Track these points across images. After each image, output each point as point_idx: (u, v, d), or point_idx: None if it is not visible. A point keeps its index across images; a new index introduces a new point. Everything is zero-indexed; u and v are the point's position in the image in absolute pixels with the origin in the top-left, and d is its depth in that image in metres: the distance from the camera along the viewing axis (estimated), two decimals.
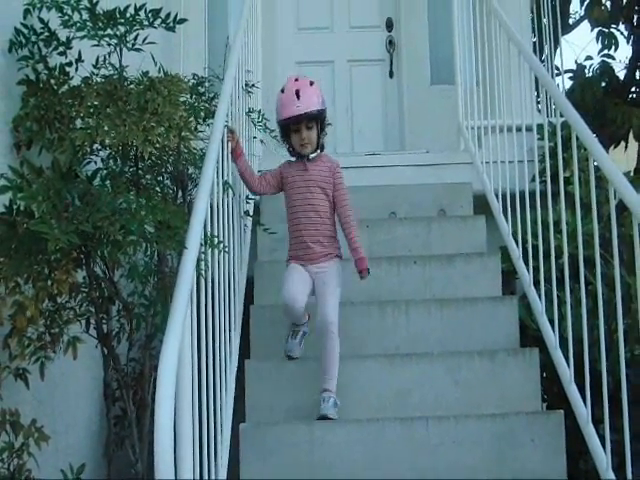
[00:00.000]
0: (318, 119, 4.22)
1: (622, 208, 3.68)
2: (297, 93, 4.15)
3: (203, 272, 3.02)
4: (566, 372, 3.79)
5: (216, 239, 3.25)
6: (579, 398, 3.66)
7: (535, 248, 4.25)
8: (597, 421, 3.53)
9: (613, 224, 3.34)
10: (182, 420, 2.61)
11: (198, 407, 2.82)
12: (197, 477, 2.74)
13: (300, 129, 4.18)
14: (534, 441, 3.81)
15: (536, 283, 4.26)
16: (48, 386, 3.20)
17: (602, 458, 3.41)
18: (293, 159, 4.32)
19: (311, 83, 4.22)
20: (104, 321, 3.21)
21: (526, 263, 4.40)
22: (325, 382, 3.91)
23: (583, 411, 3.60)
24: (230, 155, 3.97)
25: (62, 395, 3.47)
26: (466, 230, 5.09)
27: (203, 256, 3.02)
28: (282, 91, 4.23)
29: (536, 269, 4.24)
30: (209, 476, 2.98)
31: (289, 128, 4.21)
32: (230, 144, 3.96)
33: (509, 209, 4.69)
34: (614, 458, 3.36)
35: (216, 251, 3.31)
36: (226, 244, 3.55)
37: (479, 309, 4.44)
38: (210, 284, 3.25)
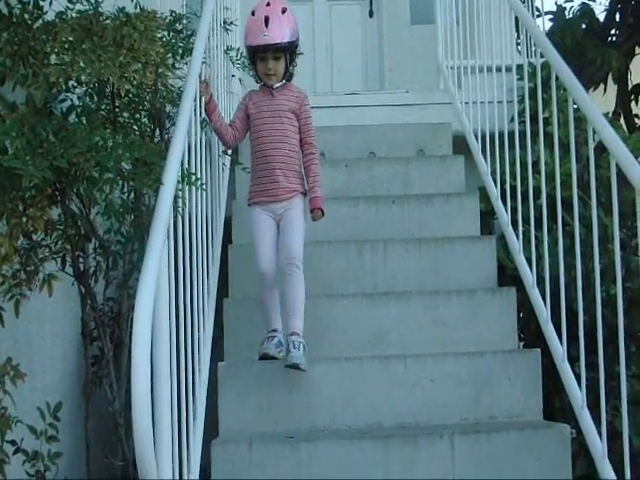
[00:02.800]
0: (287, 50, 3.98)
1: (601, 150, 3.68)
2: (266, 20, 3.91)
3: (180, 209, 3.00)
4: (543, 311, 3.81)
5: (194, 176, 3.22)
6: (555, 336, 3.68)
7: (513, 188, 4.25)
8: (573, 359, 3.56)
9: (591, 164, 3.33)
10: (159, 358, 2.60)
11: (176, 346, 2.81)
12: (175, 415, 2.74)
13: (266, 58, 3.96)
14: (510, 379, 3.83)
15: (514, 223, 4.27)
16: (25, 325, 3.19)
17: (577, 395, 3.44)
18: (257, 88, 4.11)
19: (283, 10, 3.98)
20: (80, 259, 3.19)
21: (504, 203, 4.41)
22: (292, 323, 3.77)
23: (559, 349, 3.62)
24: (203, 109, 3.81)
25: (39, 334, 3.45)
26: (445, 170, 5.08)
27: (180, 193, 3.00)
28: (252, 13, 3.99)
29: (514, 209, 4.25)
30: (187, 414, 2.99)
31: (256, 55, 4.00)
32: (203, 97, 3.78)
33: (488, 149, 4.68)
34: (589, 396, 3.39)
35: (193, 188, 3.29)
36: (204, 182, 3.52)
37: (457, 249, 4.44)
38: (188, 222, 3.23)
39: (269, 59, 3.96)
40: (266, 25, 3.90)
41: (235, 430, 3.66)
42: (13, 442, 2.57)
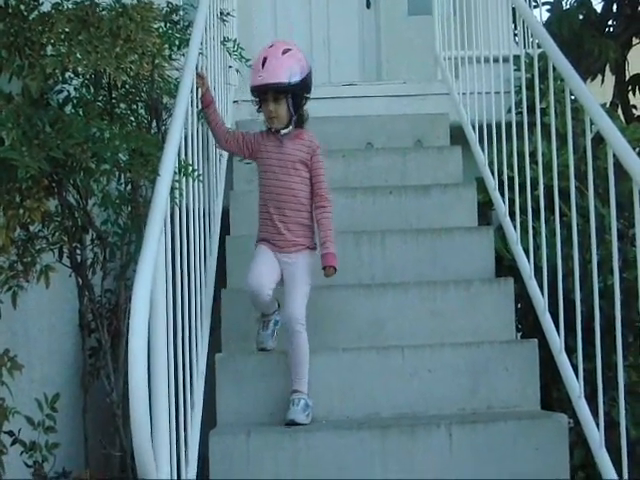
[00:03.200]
0: (289, 92, 3.75)
1: (598, 141, 3.68)
2: (264, 61, 3.74)
3: (177, 201, 3.00)
4: (540, 301, 3.82)
5: (191, 167, 3.22)
6: (553, 327, 3.69)
7: (511, 179, 4.26)
8: (570, 350, 3.57)
9: (588, 154, 3.34)
10: (156, 349, 2.61)
11: (173, 337, 2.81)
12: (172, 406, 2.74)
13: (267, 100, 3.77)
14: (508, 370, 3.84)
15: (511, 214, 4.28)
16: (22, 317, 3.19)
17: (575, 386, 3.45)
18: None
19: (285, 51, 3.78)
20: (78, 250, 3.19)
21: (502, 194, 4.41)
22: (294, 383, 3.64)
23: (556, 340, 3.63)
24: (199, 102, 3.71)
25: (37, 326, 3.46)
26: (442, 161, 5.08)
27: (177, 184, 3.00)
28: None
29: (512, 200, 4.26)
30: (184, 404, 2.99)
31: (260, 98, 3.82)
32: (200, 90, 3.68)
33: (485, 140, 4.69)
34: (586, 386, 3.40)
35: (190, 179, 3.29)
36: (201, 173, 3.52)
37: (455, 239, 4.44)
38: (185, 213, 3.23)
39: (269, 101, 3.77)
40: (262, 65, 3.75)
41: (233, 420, 3.66)
42: (11, 433, 2.58)
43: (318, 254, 3.80)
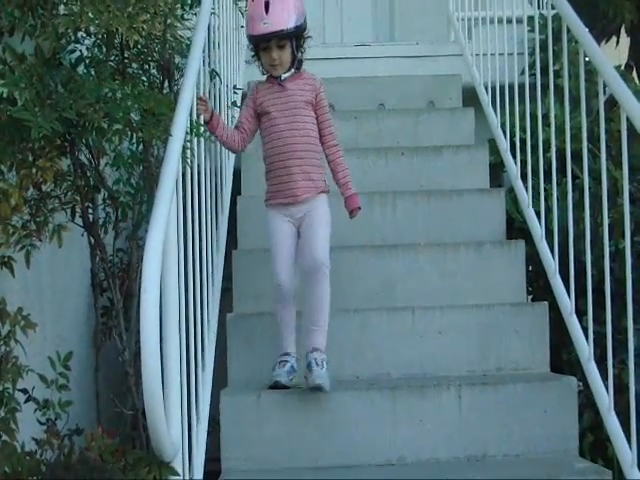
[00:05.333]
0: (292, 36, 3.60)
1: (612, 103, 3.66)
2: (266, 6, 3.52)
3: (189, 161, 3.00)
4: (551, 264, 3.82)
5: (202, 127, 3.22)
6: (563, 290, 3.69)
7: (523, 141, 4.24)
8: (580, 313, 3.57)
9: (601, 116, 3.32)
10: (168, 309, 2.63)
11: (185, 296, 2.83)
12: (184, 365, 2.76)
13: (270, 48, 3.58)
14: (518, 332, 3.86)
15: (523, 176, 4.27)
16: (35, 276, 3.21)
17: (584, 349, 3.46)
18: (264, 79, 3.75)
19: None
20: (90, 210, 3.20)
21: (514, 156, 4.41)
22: (314, 338, 3.51)
23: (567, 302, 3.64)
24: (200, 125, 3.34)
25: (49, 285, 3.47)
26: (454, 122, 5.07)
27: (189, 144, 3.00)
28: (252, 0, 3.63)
29: (524, 162, 4.24)
30: (196, 364, 3.01)
31: (259, 45, 3.63)
32: (202, 116, 3.41)
33: (498, 102, 4.66)
34: (596, 350, 3.41)
35: (202, 139, 3.29)
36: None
37: (466, 201, 4.44)
38: (197, 173, 3.24)
39: (273, 48, 3.58)
40: (266, 11, 3.53)
41: (244, 380, 3.69)
42: (25, 391, 2.60)
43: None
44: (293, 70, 3.68)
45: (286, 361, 3.57)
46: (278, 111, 3.64)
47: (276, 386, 3.51)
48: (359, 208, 3.69)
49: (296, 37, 3.63)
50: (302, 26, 3.64)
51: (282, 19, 3.55)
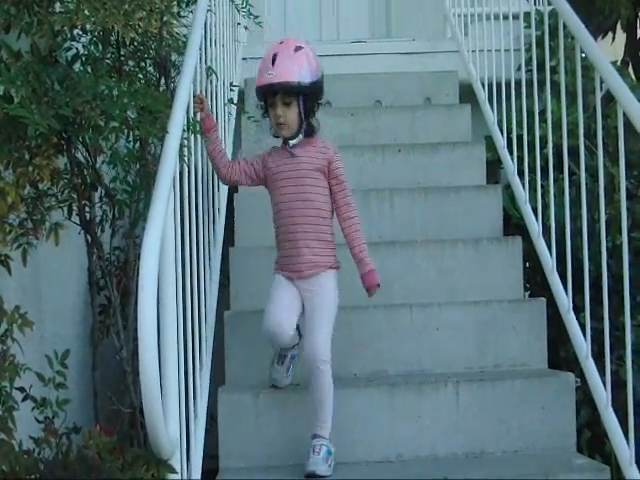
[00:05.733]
0: (300, 94, 3.38)
1: (608, 100, 3.66)
2: (274, 58, 3.37)
3: (186, 159, 3.00)
4: (548, 260, 3.82)
5: (199, 125, 3.22)
6: (561, 286, 3.70)
7: (520, 137, 4.25)
8: (578, 310, 3.57)
9: (598, 112, 3.32)
10: (166, 306, 2.63)
11: (182, 294, 2.83)
12: (182, 362, 2.76)
13: (275, 104, 3.40)
14: (516, 328, 3.85)
15: (520, 172, 4.27)
16: (32, 275, 3.21)
17: (582, 345, 3.46)
18: (279, 145, 3.55)
19: (297, 48, 3.41)
20: (87, 208, 3.20)
21: (510, 152, 4.41)
22: (315, 426, 3.33)
23: (564, 299, 3.64)
24: (197, 125, 3.30)
25: (47, 284, 3.47)
26: (451, 119, 5.07)
27: (186, 142, 3.00)
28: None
29: (520, 158, 4.25)
30: (194, 361, 3.01)
31: (267, 102, 3.45)
32: (198, 114, 3.34)
33: (495, 98, 4.67)
34: (594, 346, 3.41)
35: (199, 137, 3.29)
36: None
37: (463, 198, 4.44)
38: (194, 171, 3.23)
39: (277, 104, 3.39)
40: (272, 63, 3.37)
41: (242, 377, 3.69)
42: (22, 389, 2.59)
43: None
44: (301, 136, 3.46)
45: (285, 355, 3.53)
46: (286, 179, 3.46)
47: (274, 387, 3.51)
48: (378, 285, 3.48)
49: (305, 96, 3.40)
50: (314, 85, 3.41)
51: (288, 71, 3.36)
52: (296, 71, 3.36)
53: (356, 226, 3.47)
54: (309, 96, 3.41)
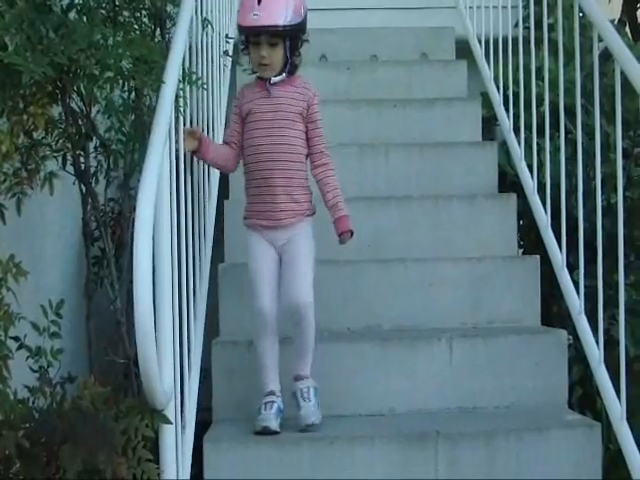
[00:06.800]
0: (287, 35, 3.20)
1: (605, 58, 3.64)
2: None
3: (182, 109, 2.97)
4: (543, 217, 3.82)
5: (195, 75, 3.19)
6: (555, 243, 3.70)
7: (516, 95, 4.23)
8: (571, 267, 3.58)
9: (595, 70, 3.30)
10: (161, 257, 2.63)
11: (177, 245, 2.82)
12: (176, 313, 2.76)
13: (260, 44, 3.20)
14: (509, 285, 3.86)
15: (516, 130, 4.26)
16: (27, 225, 3.19)
17: (575, 302, 3.47)
18: (252, 82, 3.36)
19: None
20: (81, 158, 3.17)
21: (507, 109, 4.40)
22: (299, 365, 3.28)
23: (558, 256, 3.64)
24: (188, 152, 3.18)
25: (41, 235, 3.46)
26: (447, 75, 5.07)
27: (181, 92, 2.98)
28: None
29: (516, 116, 4.23)
30: (188, 313, 3.01)
31: (249, 39, 3.25)
32: (188, 143, 3.15)
33: (491, 55, 4.65)
34: (587, 304, 3.42)
35: (194, 88, 3.26)
36: (205, 81, 3.50)
37: (459, 154, 4.44)
38: (189, 122, 3.21)
39: (263, 45, 3.19)
40: (259, 2, 3.13)
41: (235, 331, 3.69)
42: (17, 338, 2.59)
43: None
44: (284, 75, 3.28)
45: (272, 402, 3.26)
46: (263, 120, 3.26)
47: (265, 432, 3.20)
48: (351, 232, 3.30)
49: (291, 37, 3.23)
50: (300, 25, 3.23)
51: (275, 13, 3.15)
52: (283, 12, 3.15)
53: (330, 172, 3.34)
54: (296, 35, 3.25)
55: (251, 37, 3.23)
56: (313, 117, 3.30)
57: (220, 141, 4.06)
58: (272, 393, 3.27)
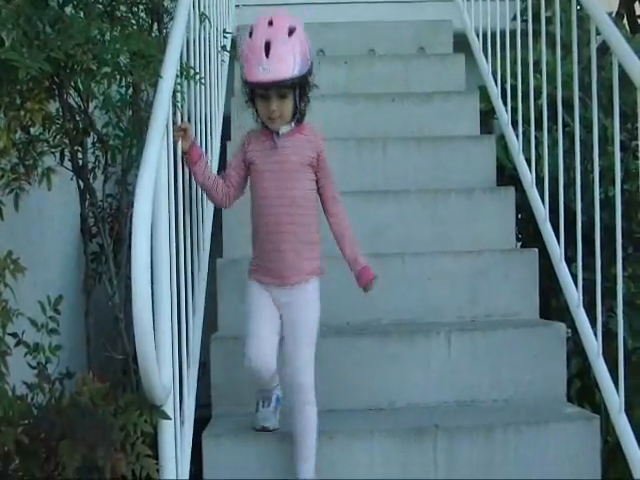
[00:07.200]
0: (296, 85, 3.00)
1: (603, 51, 3.64)
2: (267, 47, 2.92)
3: (179, 105, 2.97)
4: (541, 211, 3.82)
5: (192, 70, 3.19)
6: (553, 236, 3.70)
7: (514, 88, 4.23)
8: (570, 260, 3.58)
9: (593, 63, 3.30)
10: (159, 252, 2.62)
11: (175, 240, 2.82)
12: (175, 307, 2.76)
13: (269, 97, 2.99)
14: (508, 279, 3.87)
15: (514, 123, 4.26)
16: (24, 221, 3.19)
17: (573, 295, 3.47)
18: (258, 129, 3.15)
19: (291, 31, 2.97)
20: (79, 154, 3.17)
21: (505, 103, 4.40)
22: (302, 468, 3.02)
23: (556, 249, 3.64)
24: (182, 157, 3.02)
25: (39, 231, 3.45)
26: (445, 68, 5.08)
27: (179, 87, 2.97)
28: (250, 35, 3.01)
29: (514, 109, 4.23)
30: (187, 308, 3.01)
31: (255, 91, 3.05)
32: (181, 143, 2.99)
33: (489, 48, 4.64)
34: (585, 297, 3.42)
35: (192, 83, 3.26)
36: (202, 76, 3.49)
37: (457, 148, 4.44)
38: (187, 118, 3.21)
39: (272, 98, 2.98)
40: (267, 54, 2.92)
41: (234, 325, 3.68)
42: (15, 335, 2.59)
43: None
44: (293, 124, 3.08)
45: (269, 396, 3.22)
46: (269, 171, 3.06)
47: (264, 431, 3.18)
48: (374, 278, 3.17)
49: (301, 85, 3.03)
50: (308, 72, 3.02)
51: (285, 66, 2.94)
52: (292, 62, 2.95)
53: (344, 222, 3.15)
54: (305, 82, 3.04)
55: (258, 90, 3.02)
56: (322, 164, 3.10)
57: (217, 132, 4.07)
58: (265, 390, 3.24)
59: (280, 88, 2.96)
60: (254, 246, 3.14)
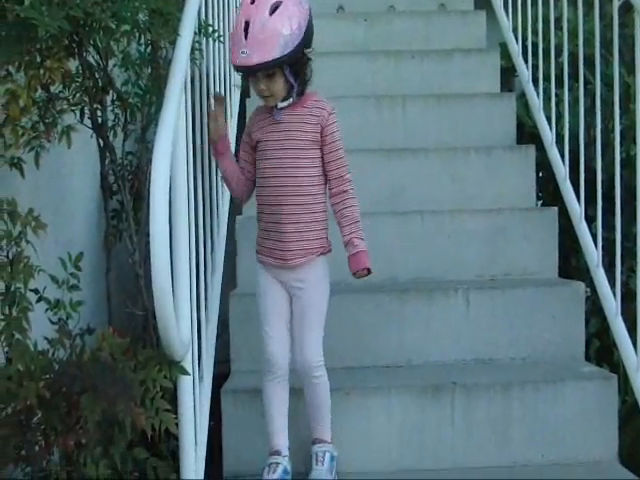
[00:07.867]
0: (283, 63, 2.81)
1: (626, 9, 3.60)
2: (245, 28, 2.76)
3: (198, 62, 2.97)
4: (561, 169, 3.81)
5: (211, 27, 3.18)
6: (573, 195, 3.69)
7: (535, 45, 4.19)
8: (590, 220, 3.57)
9: (615, 21, 3.27)
10: (177, 210, 2.64)
11: (194, 198, 2.83)
12: (193, 265, 2.78)
13: (257, 78, 2.86)
14: (527, 237, 3.86)
15: (535, 80, 4.23)
16: (46, 180, 3.21)
17: (593, 254, 3.46)
18: (262, 104, 3.02)
19: (274, 9, 2.76)
20: (98, 112, 3.18)
21: (525, 60, 4.36)
22: (317, 430, 3.06)
23: (576, 208, 3.63)
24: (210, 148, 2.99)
25: (60, 189, 3.47)
26: (466, 25, 5.03)
27: (197, 45, 2.97)
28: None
29: (535, 66, 4.20)
30: (205, 264, 3.03)
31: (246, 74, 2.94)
32: (212, 131, 2.95)
33: (510, 4, 4.61)
34: (605, 257, 3.41)
35: (210, 41, 3.26)
36: (221, 34, 3.48)
37: (477, 105, 4.42)
38: (205, 75, 3.21)
39: (260, 78, 2.84)
40: (245, 36, 2.76)
41: (253, 283, 3.69)
42: (36, 291, 2.62)
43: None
44: (292, 99, 2.92)
45: (277, 463, 2.99)
46: (272, 150, 2.94)
47: None
48: (368, 270, 2.96)
49: (290, 63, 2.83)
50: (299, 47, 2.81)
51: (265, 48, 2.75)
52: (275, 44, 2.75)
53: (349, 201, 2.96)
54: (297, 57, 2.84)
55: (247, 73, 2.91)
56: (329, 139, 2.93)
57: (236, 90, 4.04)
58: (277, 453, 3.02)
59: (266, 69, 2.80)
60: (258, 226, 3.06)
